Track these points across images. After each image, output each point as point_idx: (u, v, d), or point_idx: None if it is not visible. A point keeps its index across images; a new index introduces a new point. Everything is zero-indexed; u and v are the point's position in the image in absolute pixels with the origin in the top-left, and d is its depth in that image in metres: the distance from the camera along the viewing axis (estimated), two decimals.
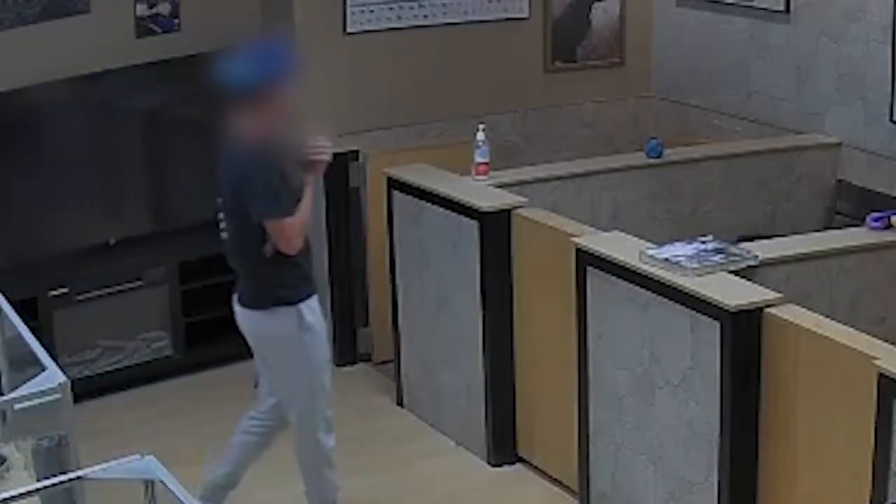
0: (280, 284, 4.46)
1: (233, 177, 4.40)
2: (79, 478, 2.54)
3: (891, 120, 5.59)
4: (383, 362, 6.27)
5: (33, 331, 3.27)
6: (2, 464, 3.28)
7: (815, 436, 3.88)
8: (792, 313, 3.98)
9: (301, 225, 4.42)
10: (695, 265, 4.25)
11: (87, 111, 6.10)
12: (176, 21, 6.36)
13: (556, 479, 5.17)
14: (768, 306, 4.00)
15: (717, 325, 4.02)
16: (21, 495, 2.52)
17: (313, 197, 4.54)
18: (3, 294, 3.50)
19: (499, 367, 5.29)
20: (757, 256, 4.39)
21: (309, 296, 4.50)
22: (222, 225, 4.53)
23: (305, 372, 4.55)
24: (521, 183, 5.55)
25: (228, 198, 4.44)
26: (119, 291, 6.12)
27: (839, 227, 5.34)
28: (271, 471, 5.36)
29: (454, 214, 5.32)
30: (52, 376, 2.89)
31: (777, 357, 3.96)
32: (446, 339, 5.52)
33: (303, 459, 4.73)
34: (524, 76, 6.85)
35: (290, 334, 4.48)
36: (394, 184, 5.74)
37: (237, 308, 4.61)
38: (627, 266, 4.40)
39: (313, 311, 4.50)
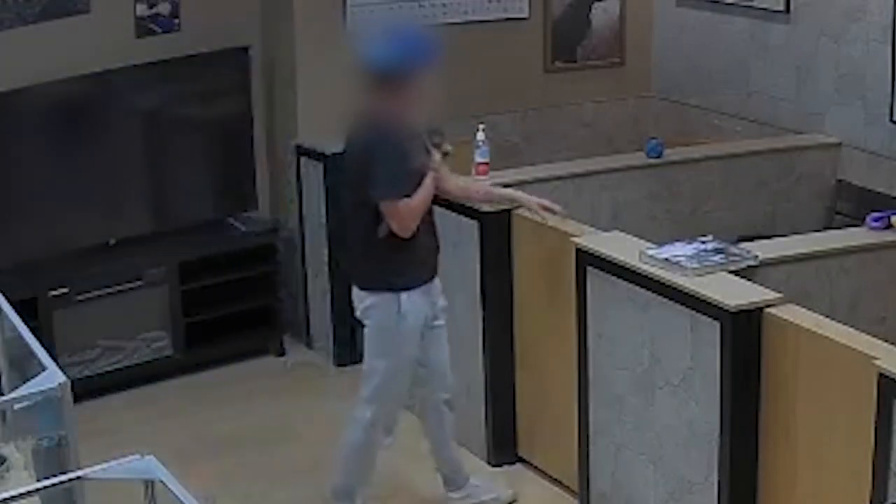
0: (388, 268, 4.55)
1: (358, 153, 4.53)
2: (79, 478, 2.54)
3: (891, 120, 5.59)
4: None
5: (33, 331, 3.27)
6: (2, 464, 3.28)
7: (815, 436, 3.88)
8: (792, 313, 3.97)
9: (417, 209, 4.49)
10: (695, 265, 4.25)
11: (88, 111, 6.10)
12: (176, 21, 6.36)
13: (556, 479, 5.17)
14: (768, 306, 4.00)
15: (717, 325, 4.02)
16: (21, 495, 2.52)
17: (434, 184, 4.60)
18: (3, 294, 3.50)
19: (499, 367, 5.29)
20: (757, 256, 4.39)
21: (417, 285, 4.57)
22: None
23: (386, 363, 4.63)
24: (521, 183, 5.54)
25: (352, 174, 4.55)
26: (119, 291, 6.11)
27: (839, 227, 5.34)
28: (272, 470, 5.37)
29: (454, 214, 5.32)
30: (52, 376, 2.89)
31: (777, 357, 3.96)
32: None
33: (348, 443, 4.76)
34: (524, 76, 6.85)
35: (385, 323, 4.57)
36: None
37: (354, 287, 4.69)
38: (627, 266, 4.40)
39: (414, 302, 4.57)
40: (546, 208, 4.81)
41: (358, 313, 4.72)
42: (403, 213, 4.45)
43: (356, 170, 4.52)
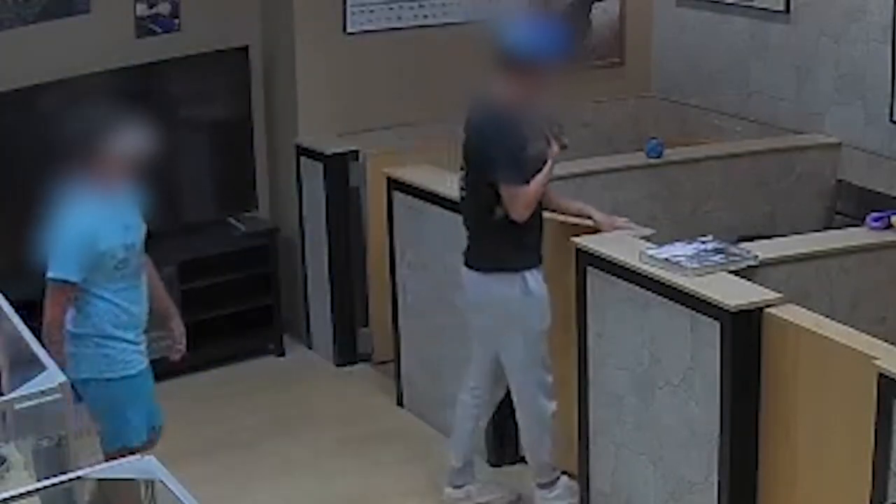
0: (504, 251, 4.64)
1: (481, 137, 4.62)
2: (79, 478, 2.54)
3: (891, 120, 5.59)
4: (383, 362, 6.27)
5: (33, 331, 3.27)
6: (2, 464, 3.28)
7: (815, 436, 3.88)
8: (792, 313, 3.97)
9: (535, 196, 4.60)
10: (695, 265, 4.24)
11: (87, 111, 6.08)
12: (176, 21, 6.36)
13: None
14: (768, 306, 4.00)
15: (717, 325, 4.02)
16: (21, 495, 2.52)
17: (551, 172, 4.69)
18: (3, 294, 3.50)
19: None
20: (757, 256, 4.38)
21: (533, 266, 4.67)
22: (461, 183, 4.73)
23: (524, 338, 4.71)
24: None
25: (473, 156, 4.65)
26: None
27: (839, 227, 5.34)
28: (271, 470, 5.37)
29: (454, 214, 5.31)
30: (52, 376, 2.89)
31: (777, 357, 3.96)
32: (446, 339, 5.51)
33: (523, 422, 4.89)
34: None
35: (512, 299, 4.65)
36: (394, 184, 5.74)
37: (463, 269, 4.78)
38: (627, 266, 4.40)
39: (537, 279, 4.66)
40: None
41: (472, 303, 4.78)
42: (522, 199, 4.57)
43: (478, 152, 4.63)
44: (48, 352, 3.80)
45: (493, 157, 4.55)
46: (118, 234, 4.35)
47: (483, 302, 4.75)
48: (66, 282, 4.23)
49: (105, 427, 4.38)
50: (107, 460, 4.17)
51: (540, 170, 4.62)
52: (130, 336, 4.43)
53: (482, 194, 4.62)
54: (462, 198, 4.76)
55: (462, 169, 4.74)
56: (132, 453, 4.26)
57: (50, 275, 4.23)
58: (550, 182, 4.74)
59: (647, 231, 4.79)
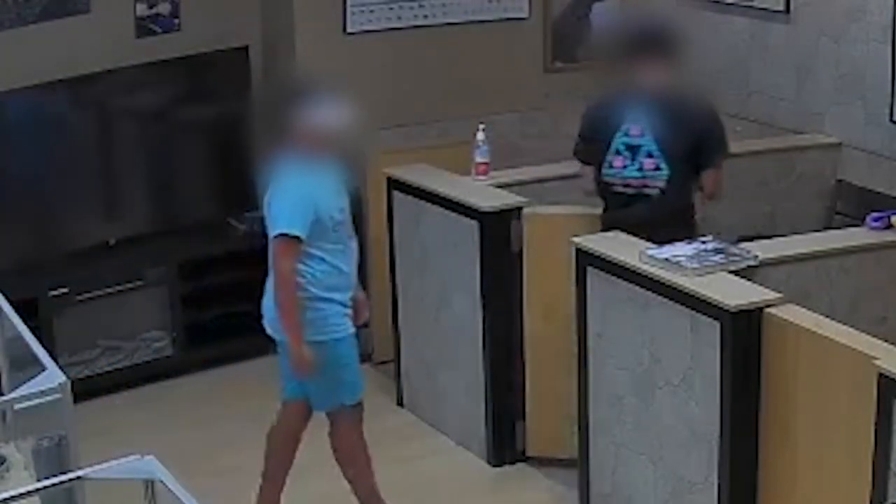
0: (694, 228, 4.86)
1: (693, 121, 4.84)
2: (79, 478, 2.55)
3: (891, 120, 5.59)
4: (383, 362, 6.27)
5: (33, 331, 3.27)
6: (2, 464, 3.28)
7: (815, 436, 3.88)
8: (792, 313, 3.98)
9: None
10: (695, 265, 4.25)
11: (87, 111, 6.10)
12: (176, 21, 6.36)
13: (556, 479, 5.17)
14: (768, 306, 4.00)
15: (717, 325, 4.02)
16: (21, 495, 2.52)
17: None
18: (3, 294, 3.50)
19: (499, 366, 5.29)
20: (757, 256, 4.39)
21: None
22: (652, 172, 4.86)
23: None
24: (521, 183, 5.55)
25: (681, 140, 4.82)
26: (119, 291, 6.11)
27: (839, 227, 5.34)
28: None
29: (454, 214, 5.32)
30: (52, 376, 2.90)
31: (777, 357, 3.96)
32: (446, 339, 5.52)
33: None
34: (524, 76, 6.84)
35: None
36: (394, 184, 5.74)
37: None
38: (627, 266, 4.40)
39: None
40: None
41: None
42: (721, 180, 4.87)
43: (687, 135, 4.81)
44: (281, 309, 4.35)
45: (710, 142, 4.83)
46: (333, 196, 4.50)
47: None
48: (295, 237, 4.36)
49: (315, 389, 4.60)
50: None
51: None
52: (341, 298, 4.55)
53: (687, 179, 4.85)
54: (662, 180, 4.87)
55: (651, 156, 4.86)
56: (357, 412, 4.65)
57: (279, 231, 4.37)
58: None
59: None
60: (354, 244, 4.61)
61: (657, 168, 4.82)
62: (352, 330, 4.60)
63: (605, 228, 4.86)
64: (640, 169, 4.84)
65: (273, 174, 4.48)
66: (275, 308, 4.50)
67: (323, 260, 4.45)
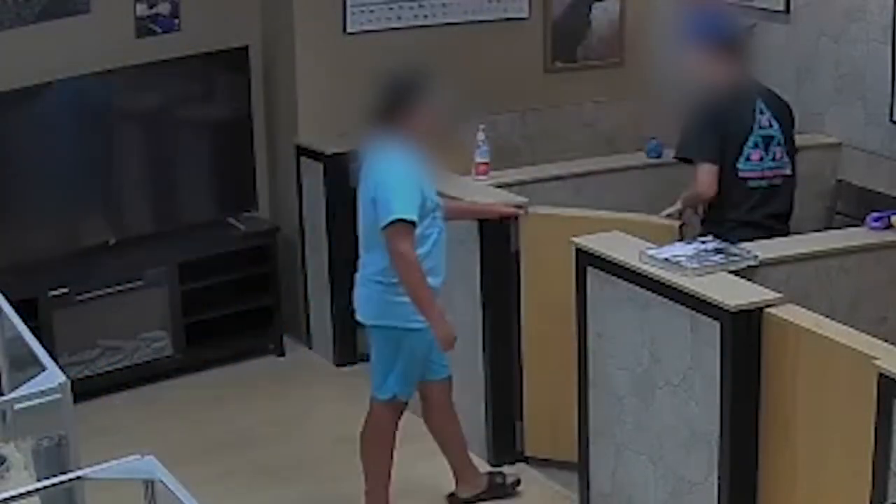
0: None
1: (789, 111, 5.13)
2: (79, 478, 2.54)
3: (891, 120, 5.59)
4: None
5: (33, 331, 3.27)
6: (2, 464, 3.28)
7: (815, 436, 3.88)
8: (792, 313, 3.97)
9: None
10: (695, 265, 4.25)
11: (88, 111, 6.10)
12: (176, 21, 6.36)
13: (556, 479, 5.17)
14: (768, 306, 4.00)
15: (717, 325, 4.02)
16: (21, 495, 2.52)
17: None
18: (3, 294, 3.50)
19: (499, 366, 5.29)
20: (757, 256, 4.38)
21: None
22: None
23: None
24: (521, 183, 5.55)
25: (788, 131, 5.09)
26: (119, 291, 6.11)
27: (839, 227, 5.34)
28: (272, 469, 5.37)
29: None
30: (52, 376, 2.89)
31: (777, 357, 3.96)
32: None
33: None
34: (524, 76, 6.84)
35: None
36: None
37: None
38: (627, 266, 4.40)
39: None
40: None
41: None
42: None
43: (790, 123, 5.11)
44: (414, 292, 4.48)
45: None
46: (430, 181, 4.58)
47: None
48: (411, 222, 4.43)
49: (381, 374, 4.70)
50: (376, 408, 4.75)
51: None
52: (435, 283, 4.61)
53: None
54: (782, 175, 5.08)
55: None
56: (402, 406, 4.74)
57: (395, 216, 4.41)
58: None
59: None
60: (444, 231, 4.70)
61: (782, 157, 5.05)
62: None
63: (727, 230, 4.85)
64: (774, 159, 5.03)
65: (371, 157, 4.55)
66: (370, 297, 4.60)
67: (421, 244, 4.52)
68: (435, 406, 4.90)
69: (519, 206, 5.11)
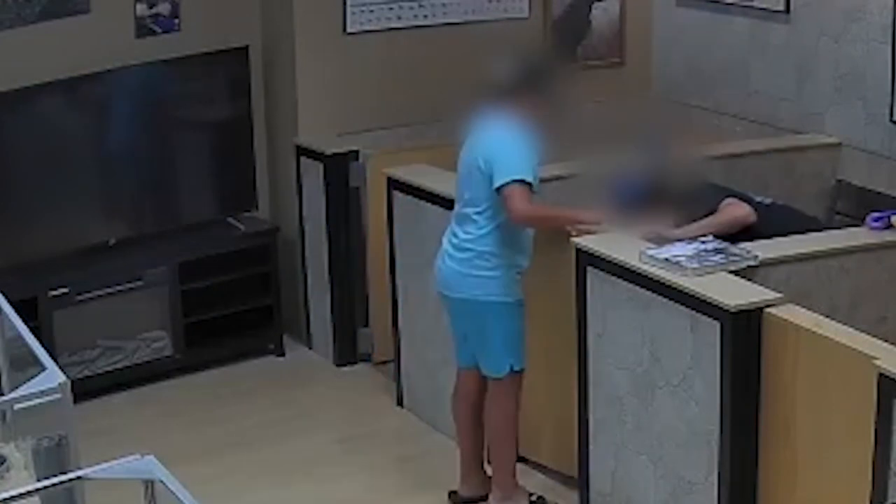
0: None
1: None
2: (79, 478, 2.54)
3: (891, 120, 5.59)
4: (383, 362, 6.27)
5: (33, 331, 3.27)
6: (2, 464, 3.28)
7: (815, 436, 3.88)
8: (792, 313, 3.97)
9: None
10: (695, 265, 4.25)
11: (87, 111, 6.10)
12: (176, 21, 6.36)
13: (556, 479, 5.17)
14: (768, 306, 4.00)
15: (717, 325, 4.02)
16: (21, 495, 2.52)
17: None
18: (3, 294, 3.50)
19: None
20: (757, 256, 4.38)
21: None
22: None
23: None
24: None
25: None
26: (119, 291, 6.11)
27: (839, 227, 5.34)
28: (271, 470, 5.38)
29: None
30: (52, 376, 2.89)
31: (777, 357, 3.96)
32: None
33: None
34: None
35: None
36: (394, 184, 5.73)
37: None
38: (627, 266, 4.40)
39: None
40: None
41: None
42: None
43: None
44: (549, 223, 4.73)
45: None
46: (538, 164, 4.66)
47: None
48: (529, 184, 4.52)
49: (487, 353, 4.75)
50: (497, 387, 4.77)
51: None
52: (523, 262, 4.73)
53: None
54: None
55: None
56: (522, 375, 4.79)
57: (514, 177, 4.50)
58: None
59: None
60: None
61: None
62: (521, 296, 4.74)
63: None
64: None
65: (482, 128, 4.67)
66: (451, 268, 4.68)
67: (490, 219, 4.61)
68: (502, 400, 4.88)
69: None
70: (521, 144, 4.57)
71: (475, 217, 4.64)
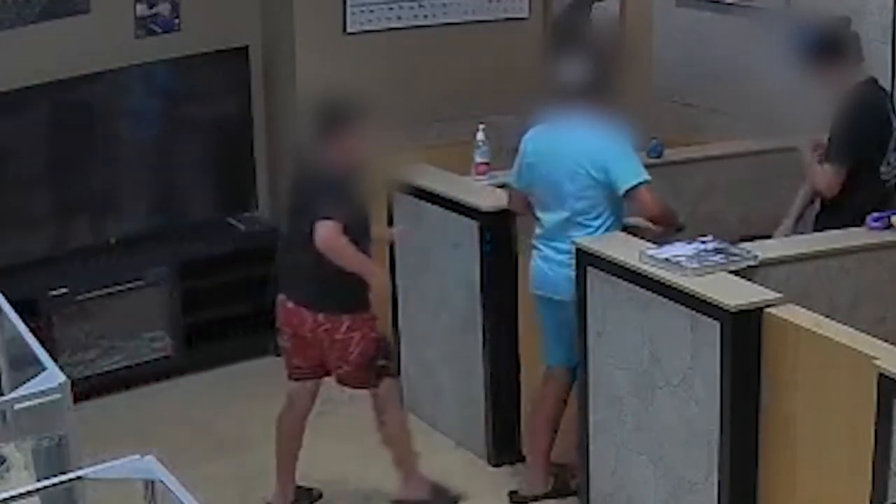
0: None
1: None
2: (79, 478, 2.54)
3: None
4: None
5: (33, 331, 3.27)
6: (2, 464, 3.28)
7: (815, 436, 3.88)
8: (792, 313, 3.97)
9: None
10: (695, 265, 4.25)
11: (87, 111, 6.10)
12: (176, 21, 6.36)
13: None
14: (768, 306, 4.00)
15: (717, 325, 4.02)
16: (21, 495, 2.52)
17: None
18: (3, 294, 3.50)
19: (499, 366, 5.29)
20: (757, 256, 4.38)
21: None
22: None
23: None
24: None
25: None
26: (119, 291, 6.12)
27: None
28: (271, 470, 5.38)
29: (454, 214, 5.32)
30: (52, 376, 2.89)
31: (777, 357, 3.96)
32: (446, 339, 5.52)
33: None
34: (524, 76, 6.83)
35: None
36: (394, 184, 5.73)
37: None
38: (627, 266, 4.40)
39: None
40: None
41: None
42: None
43: None
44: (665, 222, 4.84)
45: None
46: None
47: None
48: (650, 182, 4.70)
49: (570, 347, 4.78)
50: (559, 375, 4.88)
51: None
52: None
53: None
54: None
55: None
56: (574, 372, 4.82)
57: (642, 179, 4.68)
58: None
59: None
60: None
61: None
62: None
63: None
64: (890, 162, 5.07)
65: (566, 129, 4.76)
66: (563, 274, 4.70)
67: (605, 222, 4.73)
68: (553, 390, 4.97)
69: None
70: (627, 145, 4.70)
71: (587, 222, 4.70)
